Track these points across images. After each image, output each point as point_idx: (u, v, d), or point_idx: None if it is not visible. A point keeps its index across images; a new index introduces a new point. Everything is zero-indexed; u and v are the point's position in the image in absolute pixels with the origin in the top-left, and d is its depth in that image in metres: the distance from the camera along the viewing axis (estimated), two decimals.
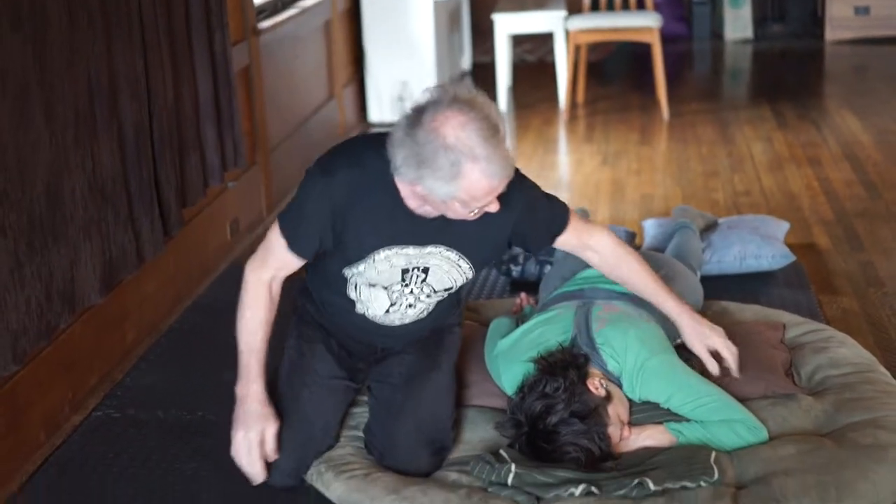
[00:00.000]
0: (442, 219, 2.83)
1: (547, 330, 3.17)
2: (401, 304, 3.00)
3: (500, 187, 2.69)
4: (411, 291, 2.98)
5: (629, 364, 3.02)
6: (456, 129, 2.59)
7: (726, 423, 2.95)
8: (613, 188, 5.74)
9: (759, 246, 4.30)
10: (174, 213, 4.09)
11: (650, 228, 4.60)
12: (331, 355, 3.11)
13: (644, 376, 3.01)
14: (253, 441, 2.88)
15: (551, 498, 2.74)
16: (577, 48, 7.54)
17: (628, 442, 2.96)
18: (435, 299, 3.03)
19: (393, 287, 2.95)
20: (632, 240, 4.48)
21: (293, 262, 2.94)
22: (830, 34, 9.44)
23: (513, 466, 2.83)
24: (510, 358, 3.14)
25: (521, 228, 2.97)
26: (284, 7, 5.96)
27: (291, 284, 3.04)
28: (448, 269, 2.95)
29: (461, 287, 3.06)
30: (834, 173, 5.82)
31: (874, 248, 4.73)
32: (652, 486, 2.73)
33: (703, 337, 3.13)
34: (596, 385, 2.93)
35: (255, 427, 2.88)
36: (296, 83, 5.96)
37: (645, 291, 3.16)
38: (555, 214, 3.06)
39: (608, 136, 6.87)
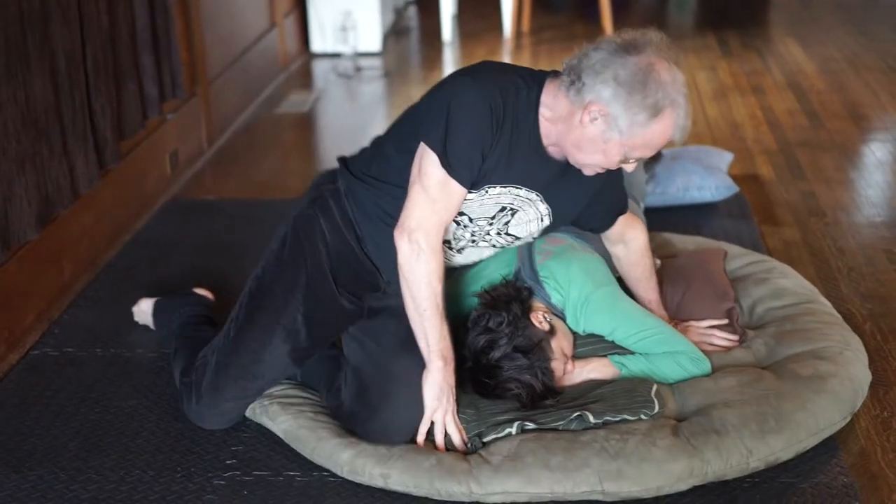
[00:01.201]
0: (557, 168, 2.80)
1: (490, 262, 3.15)
2: (464, 238, 2.92)
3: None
4: (487, 231, 2.90)
5: (573, 297, 3.02)
6: (670, 72, 2.63)
7: (670, 356, 2.96)
8: None
9: (702, 177, 4.30)
10: (110, 145, 4.02)
11: None
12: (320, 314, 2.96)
13: (588, 309, 3.00)
14: (449, 423, 2.78)
15: (489, 440, 2.75)
16: None
17: (572, 376, 2.96)
18: (496, 246, 2.98)
19: (478, 221, 2.87)
20: None
21: (461, 203, 2.77)
22: None
23: None
24: (451, 291, 3.12)
25: (596, 199, 2.96)
26: None
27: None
28: (532, 218, 2.90)
29: (526, 240, 3.01)
30: (777, 103, 5.82)
31: (816, 177, 4.74)
32: (592, 420, 2.74)
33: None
34: (539, 319, 2.93)
35: (449, 404, 2.79)
36: (236, 12, 5.86)
37: (642, 299, 3.21)
38: (622, 195, 3.09)
39: (554, 65, 6.75)
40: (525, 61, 6.98)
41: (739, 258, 3.63)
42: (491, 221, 2.88)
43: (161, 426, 3.00)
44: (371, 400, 2.83)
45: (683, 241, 3.82)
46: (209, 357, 2.99)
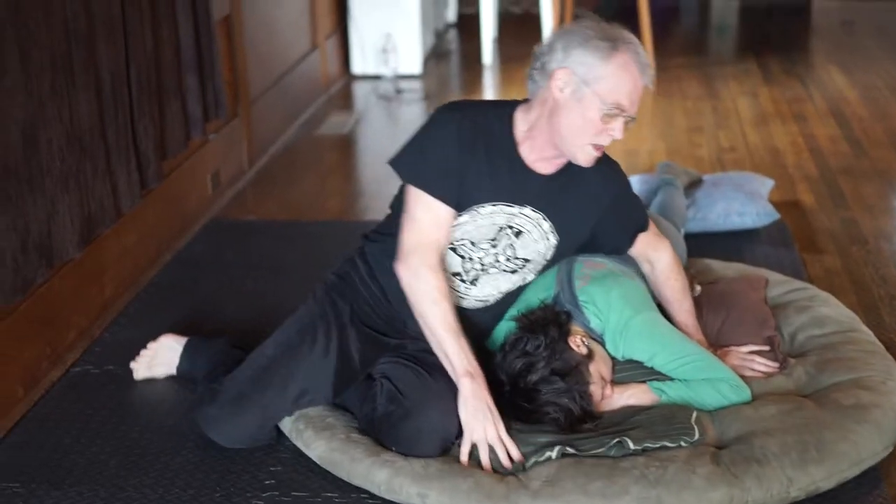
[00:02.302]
0: (549, 182, 2.87)
1: (530, 287, 3.14)
2: (474, 268, 2.94)
3: (640, 92, 2.80)
4: (494, 254, 2.92)
5: (612, 322, 3.01)
6: (615, 30, 2.80)
7: (709, 382, 2.94)
8: None
9: (743, 203, 4.28)
10: (153, 165, 4.05)
11: (634, 185, 4.53)
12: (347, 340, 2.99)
13: (627, 335, 2.99)
14: (493, 438, 2.76)
15: (529, 465, 2.73)
16: (563, 1, 7.47)
17: (611, 401, 2.94)
18: (507, 271, 2.97)
19: (480, 244, 2.91)
20: None
21: (447, 220, 2.83)
22: None
23: None
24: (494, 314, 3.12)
25: (609, 217, 3.00)
26: None
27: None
28: (537, 237, 2.93)
29: (531, 275, 3.02)
30: (819, 129, 5.80)
31: (858, 205, 4.71)
32: (632, 446, 2.73)
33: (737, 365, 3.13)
34: (578, 343, 2.92)
35: (490, 421, 2.76)
36: (277, 33, 5.90)
37: (678, 320, 3.18)
38: (639, 213, 3.11)
39: None
40: None
41: (780, 286, 3.61)
42: (494, 244, 2.91)
43: (200, 445, 3.01)
44: (405, 402, 2.83)
45: (724, 268, 3.80)
46: (244, 369, 3.00)
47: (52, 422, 3.15)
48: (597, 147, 2.80)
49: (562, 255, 3.03)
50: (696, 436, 2.76)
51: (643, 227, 3.11)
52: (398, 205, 2.95)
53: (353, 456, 2.80)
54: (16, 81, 3.15)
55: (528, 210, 2.89)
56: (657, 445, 2.73)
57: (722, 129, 5.87)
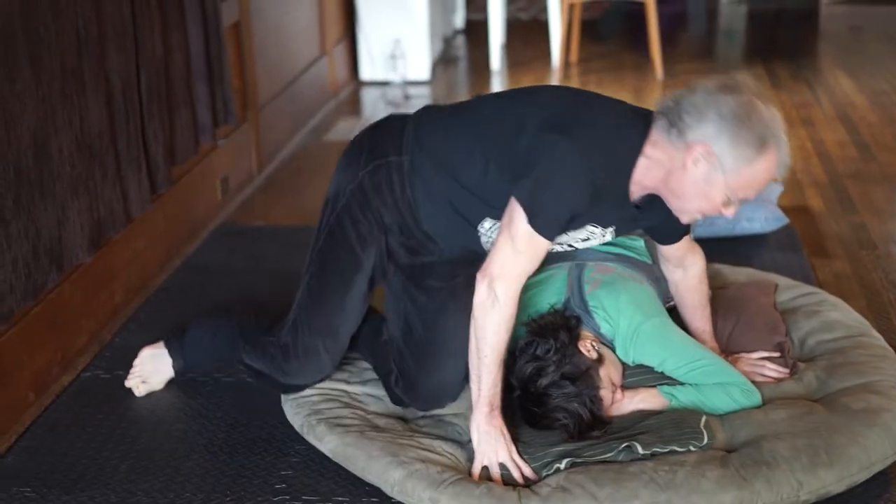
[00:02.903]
0: (634, 211, 2.81)
1: (540, 292, 3.15)
2: None
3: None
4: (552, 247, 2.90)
5: (622, 327, 3.01)
6: (768, 109, 2.64)
7: (720, 387, 2.94)
8: None
9: (751, 208, 4.28)
10: (163, 170, 4.06)
11: None
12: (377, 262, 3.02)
13: (638, 340, 2.99)
14: (505, 458, 2.77)
15: (540, 476, 2.75)
16: (571, 6, 7.48)
17: (621, 405, 2.95)
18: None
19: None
20: None
21: (545, 251, 2.77)
22: None
23: None
24: None
25: (669, 217, 2.87)
26: None
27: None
28: (595, 240, 2.93)
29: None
30: (827, 134, 5.79)
31: (867, 210, 4.71)
32: (640, 450, 2.73)
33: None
34: (588, 347, 2.92)
35: (502, 447, 2.78)
36: (286, 40, 5.91)
37: (693, 328, 3.20)
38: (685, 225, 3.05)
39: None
40: None
41: (790, 290, 3.61)
42: (554, 247, 2.89)
43: (211, 450, 3.02)
44: (411, 372, 2.99)
45: (734, 273, 3.80)
46: (295, 315, 3.05)
47: (62, 426, 3.16)
48: (703, 216, 2.75)
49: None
50: (706, 440, 2.76)
51: (688, 229, 3.06)
52: (494, 160, 2.81)
53: (369, 453, 2.81)
54: (27, 87, 3.16)
55: (603, 228, 2.88)
56: (666, 450, 2.73)
57: None
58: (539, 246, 2.72)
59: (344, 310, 3.02)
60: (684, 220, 2.78)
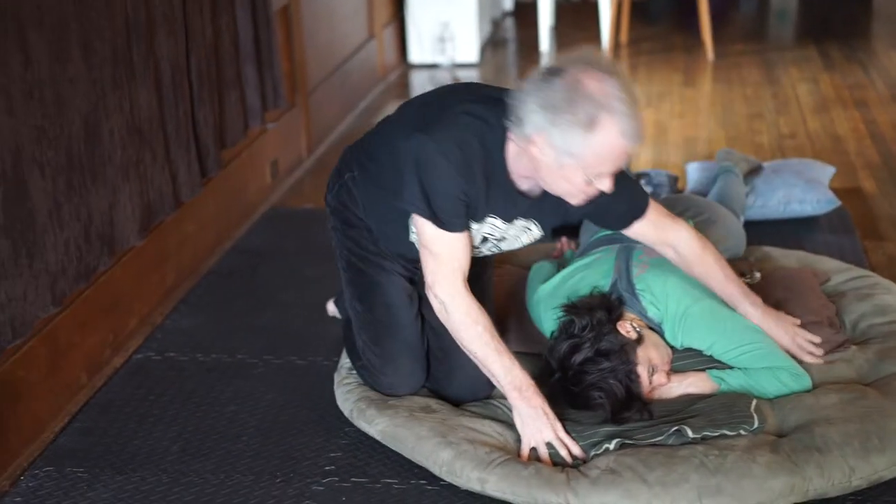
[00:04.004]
0: (538, 201, 2.83)
1: (587, 275, 3.14)
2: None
3: (626, 156, 2.66)
4: (482, 252, 2.97)
5: (671, 311, 2.99)
6: (598, 82, 2.57)
7: (770, 371, 2.92)
8: (657, 131, 5.67)
9: (803, 190, 4.24)
10: (212, 154, 4.08)
11: (693, 172, 4.55)
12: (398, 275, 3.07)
13: (686, 323, 2.98)
14: (551, 438, 2.78)
15: (589, 458, 2.74)
16: None
17: (670, 389, 2.93)
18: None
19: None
20: (674, 183, 4.43)
21: (466, 245, 2.81)
22: None
23: None
24: (550, 304, 3.11)
25: (601, 203, 2.85)
26: None
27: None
28: (519, 234, 2.94)
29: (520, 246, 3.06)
30: (881, 115, 5.73)
31: None
32: (690, 434, 2.71)
33: (792, 335, 3.09)
34: (627, 328, 2.90)
35: (546, 426, 2.79)
36: (335, 23, 5.92)
37: (722, 293, 3.08)
38: (635, 197, 3.00)
39: (652, 77, 6.79)
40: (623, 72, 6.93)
41: (842, 273, 3.58)
42: (477, 250, 2.93)
43: (261, 431, 3.04)
44: (443, 366, 3.04)
45: (784, 256, 3.77)
46: (359, 339, 3.08)
47: (114, 408, 3.19)
48: (588, 196, 2.73)
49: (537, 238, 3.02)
50: (756, 424, 2.74)
51: (642, 209, 2.98)
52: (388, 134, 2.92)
53: (418, 433, 2.82)
54: (78, 72, 3.18)
55: (516, 222, 2.89)
56: (716, 434, 2.72)
57: (782, 116, 5.82)
58: (450, 241, 2.77)
59: (398, 323, 3.04)
60: (572, 202, 2.76)
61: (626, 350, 2.84)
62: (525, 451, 2.78)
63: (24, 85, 2.92)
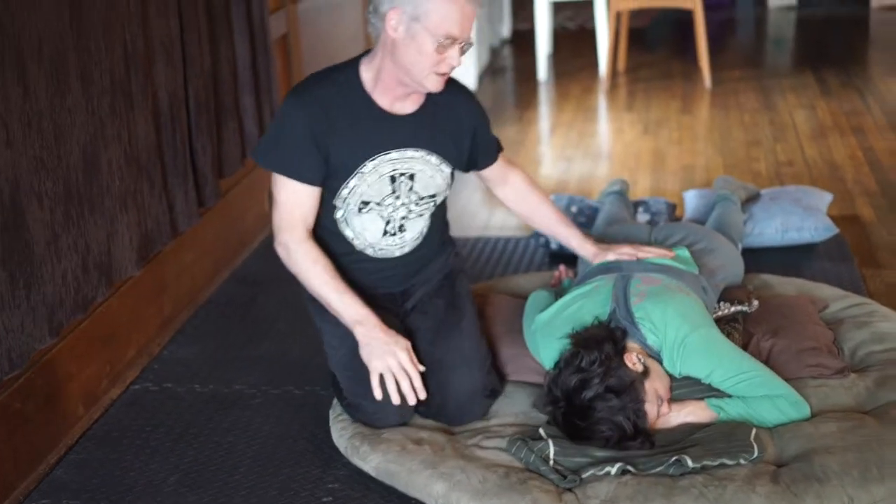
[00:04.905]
0: (416, 120, 3.00)
1: (585, 304, 3.14)
2: (394, 221, 3.07)
3: (471, 15, 2.83)
4: (403, 203, 3.05)
5: (669, 339, 2.99)
6: None
7: (769, 399, 2.92)
8: (654, 158, 5.68)
9: (801, 218, 4.24)
10: (210, 183, 4.08)
11: (691, 200, 4.55)
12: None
13: (685, 351, 2.98)
14: (395, 367, 2.88)
15: (588, 477, 2.72)
16: (619, 15, 7.47)
17: (668, 418, 2.93)
18: (425, 210, 3.11)
19: (384, 201, 3.03)
20: (672, 211, 4.44)
21: (309, 198, 2.98)
22: (876, 0, 9.30)
23: (551, 444, 2.81)
24: (548, 333, 3.11)
25: (478, 136, 3.16)
26: None
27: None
28: (431, 173, 3.06)
29: (444, 197, 3.17)
30: (878, 143, 5.74)
31: None
32: (690, 464, 2.71)
33: (608, 251, 3.35)
34: (633, 361, 2.90)
35: (389, 353, 2.89)
36: (333, 52, 5.93)
37: (550, 224, 3.41)
38: (492, 134, 3.28)
39: (649, 104, 6.81)
40: (620, 100, 6.97)
41: (840, 301, 3.58)
42: (396, 195, 3.04)
43: (258, 462, 3.03)
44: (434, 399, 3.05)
45: (782, 283, 3.77)
46: (341, 378, 3.11)
47: (111, 439, 3.19)
48: (440, 75, 2.89)
49: (455, 170, 3.15)
50: (756, 453, 2.74)
51: (501, 148, 3.31)
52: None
53: (410, 468, 2.81)
54: (77, 102, 3.19)
55: (409, 152, 3.02)
56: (716, 463, 2.71)
57: (779, 143, 5.83)
58: (293, 189, 2.96)
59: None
60: (430, 87, 2.92)
61: (636, 386, 2.84)
62: (374, 380, 2.88)
63: (22, 116, 2.92)
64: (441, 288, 3.23)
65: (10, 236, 2.88)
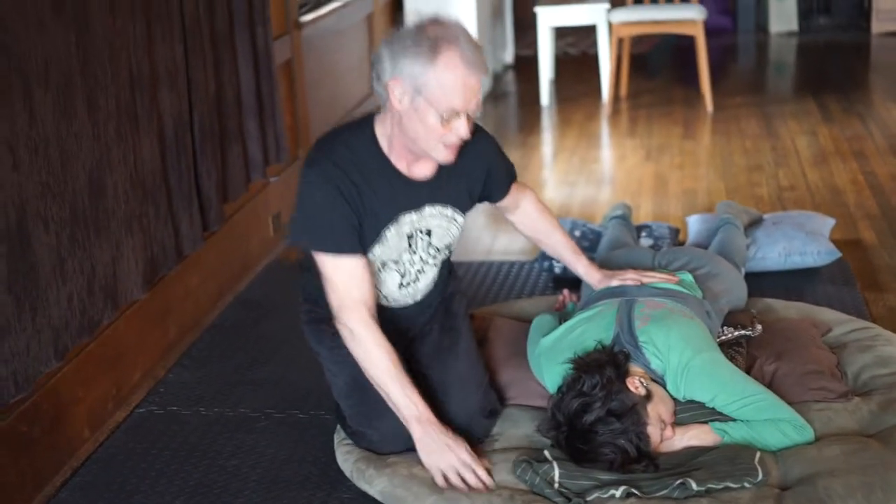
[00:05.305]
0: (433, 180, 2.94)
1: (589, 328, 3.15)
2: (410, 274, 3.05)
3: (475, 87, 2.77)
4: (420, 258, 3.03)
5: (673, 363, 3.00)
6: (441, 26, 2.77)
7: (772, 423, 2.92)
8: (656, 183, 5.70)
9: (804, 242, 4.25)
10: (215, 207, 4.10)
11: (694, 224, 4.56)
12: None
13: (688, 375, 2.98)
14: (457, 463, 2.84)
15: (592, 500, 2.73)
16: (620, 41, 7.50)
17: (672, 442, 2.93)
18: (439, 259, 3.11)
19: (402, 257, 3.00)
20: (675, 235, 4.45)
21: (360, 269, 2.89)
22: (877, 26, 9.33)
23: (556, 466, 2.81)
24: (552, 357, 3.12)
25: (491, 174, 3.13)
26: (326, 1, 5.95)
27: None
28: (447, 225, 3.05)
29: (456, 240, 3.15)
30: (880, 167, 5.75)
31: None
32: (695, 487, 2.71)
33: (613, 277, 3.35)
34: (636, 384, 2.91)
35: (448, 450, 2.85)
36: (337, 77, 5.96)
37: (558, 249, 3.42)
38: (509, 165, 3.25)
39: (651, 130, 6.83)
40: (623, 126, 6.99)
41: (843, 325, 3.58)
42: (413, 251, 3.01)
43: (263, 484, 3.03)
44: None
45: (785, 308, 3.78)
46: (344, 407, 3.10)
47: (117, 462, 3.19)
48: (448, 146, 2.84)
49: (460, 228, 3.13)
50: (760, 476, 2.74)
51: (515, 177, 3.26)
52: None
53: (417, 493, 2.81)
54: (83, 128, 3.21)
55: (427, 209, 2.99)
56: (720, 486, 2.72)
57: (781, 168, 5.84)
58: (344, 265, 2.87)
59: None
60: (440, 159, 2.87)
61: (637, 410, 2.84)
62: (437, 478, 2.83)
63: (29, 141, 2.94)
64: (437, 311, 3.23)
65: (16, 260, 2.89)
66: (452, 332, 3.18)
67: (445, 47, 2.72)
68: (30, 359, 2.95)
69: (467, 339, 3.20)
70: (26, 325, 2.93)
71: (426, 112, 2.76)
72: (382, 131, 2.91)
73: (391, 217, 2.92)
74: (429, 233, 3.01)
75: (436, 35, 2.73)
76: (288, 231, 2.95)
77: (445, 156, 2.86)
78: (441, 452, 2.84)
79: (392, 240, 2.95)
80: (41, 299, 3.00)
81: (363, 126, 2.93)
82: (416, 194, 2.94)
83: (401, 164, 2.92)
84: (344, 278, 2.87)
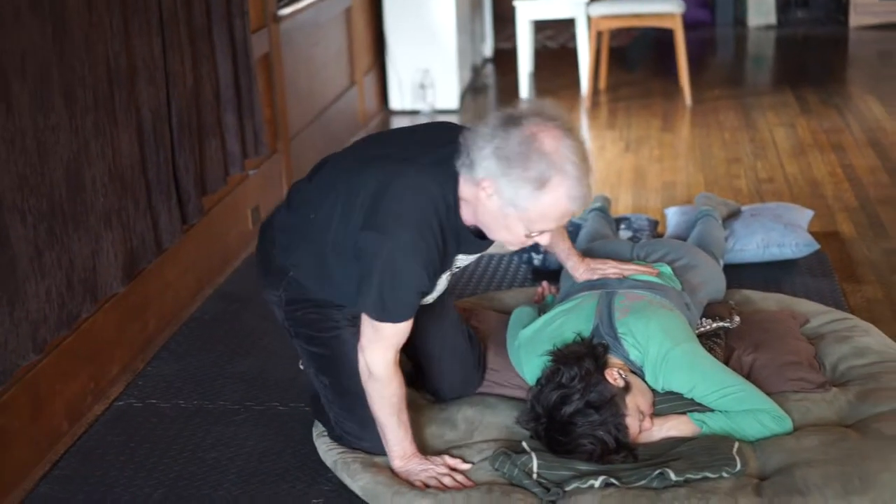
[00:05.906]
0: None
1: (568, 320, 3.15)
2: (433, 293, 2.98)
3: (569, 214, 2.67)
4: (444, 278, 2.96)
5: (652, 354, 3.01)
6: (554, 140, 2.58)
7: (751, 413, 2.93)
8: (635, 175, 5.71)
9: (782, 234, 4.27)
10: (193, 200, 4.09)
11: (673, 216, 4.58)
12: None
13: (667, 366, 2.99)
14: (437, 472, 2.86)
15: (572, 490, 2.73)
16: (599, 34, 7.50)
17: (651, 433, 2.94)
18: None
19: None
20: (654, 228, 4.46)
21: (410, 325, 2.81)
22: (855, 20, 9.36)
23: (534, 457, 2.82)
24: (531, 349, 3.13)
25: None
26: None
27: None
28: (472, 256, 2.98)
29: None
30: (858, 160, 5.78)
31: None
32: (673, 477, 2.72)
33: (596, 267, 3.37)
34: (615, 376, 2.92)
35: (428, 469, 2.87)
36: (316, 70, 5.95)
37: (555, 236, 3.29)
38: None
39: (630, 122, 6.84)
40: (602, 118, 7.00)
41: (821, 316, 3.60)
42: (441, 278, 2.92)
43: (242, 477, 3.03)
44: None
45: (763, 299, 3.79)
46: (331, 412, 3.07)
47: (96, 455, 3.18)
48: (521, 246, 2.77)
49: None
50: (738, 467, 2.75)
51: None
52: (342, 271, 2.88)
53: (396, 490, 2.81)
54: (61, 121, 3.20)
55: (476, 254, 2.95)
56: (699, 476, 2.73)
57: (760, 160, 5.86)
58: (401, 330, 2.78)
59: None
60: (511, 248, 2.81)
61: (616, 401, 2.85)
62: (417, 486, 2.84)
63: (5, 133, 2.93)
64: None
65: None
66: (440, 306, 3.11)
67: (556, 180, 2.57)
68: (7, 352, 2.94)
69: (452, 309, 3.23)
70: (4, 318, 2.92)
71: (515, 224, 2.65)
72: (462, 194, 2.72)
73: (448, 264, 2.84)
74: (461, 267, 2.98)
75: (547, 158, 2.56)
76: (364, 299, 2.73)
77: (514, 248, 2.82)
78: (418, 472, 2.87)
79: (441, 283, 2.90)
80: (19, 292, 2.99)
81: (448, 181, 2.71)
82: (475, 245, 2.85)
83: (467, 219, 2.78)
84: (389, 333, 2.77)
